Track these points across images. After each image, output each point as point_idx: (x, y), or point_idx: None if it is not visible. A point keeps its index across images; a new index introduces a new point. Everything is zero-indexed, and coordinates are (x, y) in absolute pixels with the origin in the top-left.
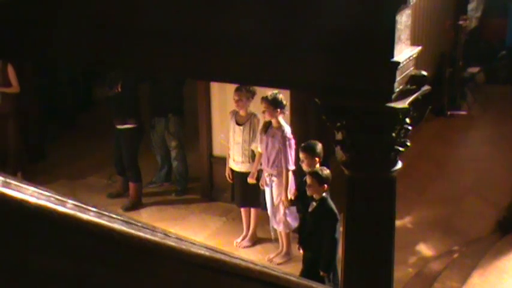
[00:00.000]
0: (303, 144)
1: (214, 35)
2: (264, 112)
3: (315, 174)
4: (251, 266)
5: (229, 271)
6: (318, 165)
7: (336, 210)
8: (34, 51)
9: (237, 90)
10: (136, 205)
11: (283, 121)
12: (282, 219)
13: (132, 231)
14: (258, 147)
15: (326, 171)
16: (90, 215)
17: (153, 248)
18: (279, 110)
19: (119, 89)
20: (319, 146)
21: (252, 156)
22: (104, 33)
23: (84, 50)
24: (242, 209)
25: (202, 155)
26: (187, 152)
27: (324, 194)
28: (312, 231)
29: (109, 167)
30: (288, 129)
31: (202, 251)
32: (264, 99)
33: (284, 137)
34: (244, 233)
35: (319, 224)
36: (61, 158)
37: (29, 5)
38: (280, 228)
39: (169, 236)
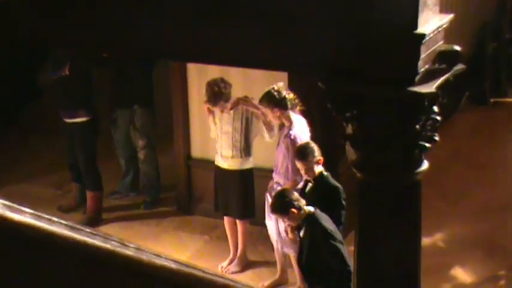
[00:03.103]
0: (295, 152)
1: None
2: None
3: (276, 211)
4: (231, 283)
5: None
6: (320, 169)
7: (326, 225)
8: None
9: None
10: (95, 220)
11: (295, 117)
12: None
13: (78, 236)
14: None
15: (292, 196)
16: (24, 216)
17: (105, 257)
18: (277, 108)
19: (67, 72)
20: (310, 145)
21: (246, 149)
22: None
23: (32, 23)
24: (227, 223)
25: (178, 157)
26: (158, 153)
27: (310, 210)
28: (312, 261)
29: (60, 172)
30: (296, 128)
31: (167, 263)
32: (261, 101)
33: (288, 137)
34: (231, 255)
35: (314, 247)
36: None
37: None
38: (291, 252)
39: (127, 245)
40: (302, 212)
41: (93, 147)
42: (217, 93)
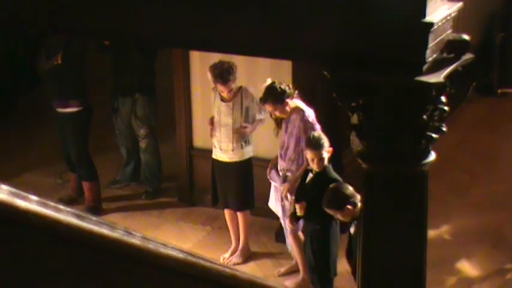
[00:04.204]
0: (307, 142)
1: None
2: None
3: (330, 206)
4: (238, 273)
5: (209, 279)
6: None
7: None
8: None
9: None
10: (95, 210)
11: (302, 104)
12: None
13: (84, 224)
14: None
15: (347, 191)
16: (30, 203)
17: (111, 246)
18: (288, 100)
19: (59, 60)
20: (323, 136)
21: (246, 139)
22: None
23: (26, 11)
24: (227, 215)
25: (180, 147)
26: (160, 142)
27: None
28: None
29: (59, 163)
30: (309, 112)
31: (174, 253)
32: (263, 100)
33: (305, 122)
34: (233, 246)
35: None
36: None
37: None
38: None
39: (133, 234)
40: (357, 209)
41: (84, 138)
42: (227, 70)
